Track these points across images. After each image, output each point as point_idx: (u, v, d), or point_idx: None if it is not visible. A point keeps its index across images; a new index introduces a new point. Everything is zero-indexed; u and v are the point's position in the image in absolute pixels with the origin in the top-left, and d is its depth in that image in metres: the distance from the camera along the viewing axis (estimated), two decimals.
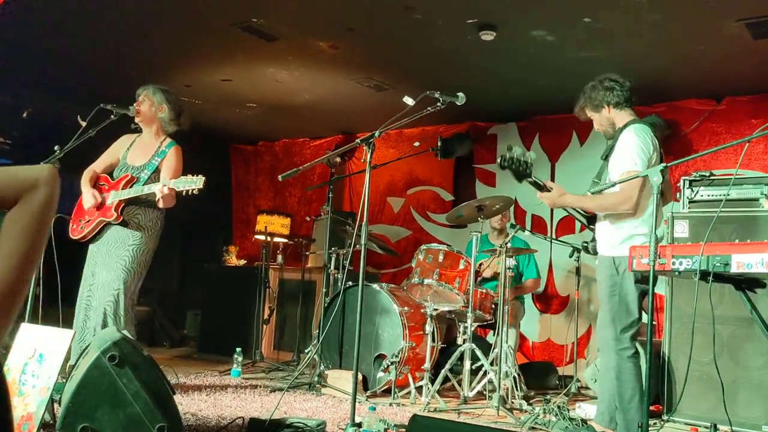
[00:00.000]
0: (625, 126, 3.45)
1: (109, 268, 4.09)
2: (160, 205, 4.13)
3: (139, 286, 4.21)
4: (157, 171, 4.22)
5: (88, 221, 4.18)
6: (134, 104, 4.30)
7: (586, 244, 3.71)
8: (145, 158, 4.25)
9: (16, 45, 5.50)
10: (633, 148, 3.33)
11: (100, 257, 4.15)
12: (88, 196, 4.21)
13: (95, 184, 4.29)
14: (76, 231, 4.21)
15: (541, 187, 3.50)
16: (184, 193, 3.99)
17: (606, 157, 3.53)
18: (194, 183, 3.96)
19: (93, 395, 2.71)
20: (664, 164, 2.84)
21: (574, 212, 3.72)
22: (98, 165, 4.39)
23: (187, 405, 3.89)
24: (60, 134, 5.22)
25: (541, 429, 3.86)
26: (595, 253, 3.61)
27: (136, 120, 4.31)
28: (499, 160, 3.42)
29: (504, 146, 3.44)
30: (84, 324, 4.08)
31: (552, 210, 6.46)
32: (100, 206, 4.17)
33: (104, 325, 4.00)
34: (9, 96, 6.67)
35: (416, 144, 6.31)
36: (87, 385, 2.71)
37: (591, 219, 3.66)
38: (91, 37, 5.34)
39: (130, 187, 4.16)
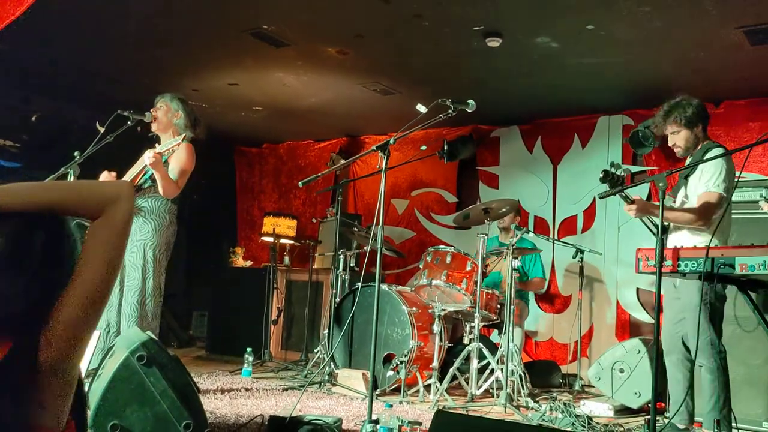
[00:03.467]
0: (709, 148, 3.65)
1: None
2: (161, 191, 4.14)
3: (158, 284, 4.20)
4: (166, 163, 4.26)
5: None
6: (151, 110, 4.38)
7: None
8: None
9: (26, 49, 5.59)
10: (722, 172, 3.52)
11: None
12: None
13: None
14: None
15: (628, 199, 3.67)
16: (169, 152, 4.05)
17: (687, 176, 3.71)
18: (175, 141, 4.03)
19: (122, 394, 2.81)
20: (669, 170, 2.95)
21: (649, 224, 3.87)
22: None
23: (204, 404, 3.95)
24: (69, 138, 5.33)
25: (548, 425, 3.97)
26: None
27: (152, 128, 4.38)
28: (602, 176, 3.62)
29: (609, 164, 3.74)
30: (107, 324, 4.15)
31: (554, 211, 6.58)
32: None
33: (112, 324, 4.08)
34: (18, 100, 6.75)
35: (423, 148, 6.42)
36: (116, 384, 2.82)
37: (664, 231, 3.82)
38: (100, 41, 5.42)
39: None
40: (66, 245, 1.39)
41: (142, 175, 4.28)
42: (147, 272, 4.16)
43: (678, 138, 3.75)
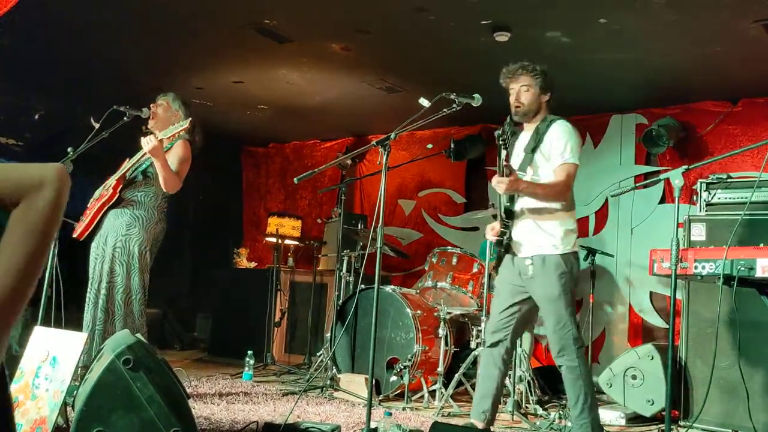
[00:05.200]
0: (553, 120, 3.43)
1: (103, 260, 4.03)
2: (162, 182, 4.02)
3: (142, 281, 4.03)
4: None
5: (89, 215, 4.10)
6: (151, 105, 4.27)
7: (501, 240, 3.45)
8: None
9: (28, 47, 5.51)
10: (569, 141, 3.34)
11: (99, 249, 4.07)
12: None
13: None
14: (77, 230, 4.12)
15: (505, 170, 3.28)
16: (174, 137, 3.99)
17: (533, 150, 3.42)
18: (180, 126, 3.94)
19: (107, 399, 2.68)
20: (686, 166, 2.80)
21: (500, 206, 3.49)
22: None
23: (200, 409, 3.87)
24: (71, 136, 5.21)
25: None
26: (507, 250, 3.44)
27: (149, 124, 4.26)
28: (499, 132, 3.29)
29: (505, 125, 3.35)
30: (89, 321, 4.01)
31: None
32: (101, 196, 4.12)
33: (96, 321, 3.95)
34: (21, 98, 6.68)
35: (429, 146, 6.27)
36: (101, 389, 2.69)
37: (510, 214, 3.46)
38: (102, 39, 5.33)
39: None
40: None
41: (134, 167, 4.17)
42: (132, 269, 4.02)
43: (526, 95, 3.47)
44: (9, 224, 1.24)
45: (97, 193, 4.20)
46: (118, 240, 4.02)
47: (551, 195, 3.33)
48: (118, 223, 4.05)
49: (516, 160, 3.48)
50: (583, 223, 6.34)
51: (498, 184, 3.27)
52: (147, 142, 3.91)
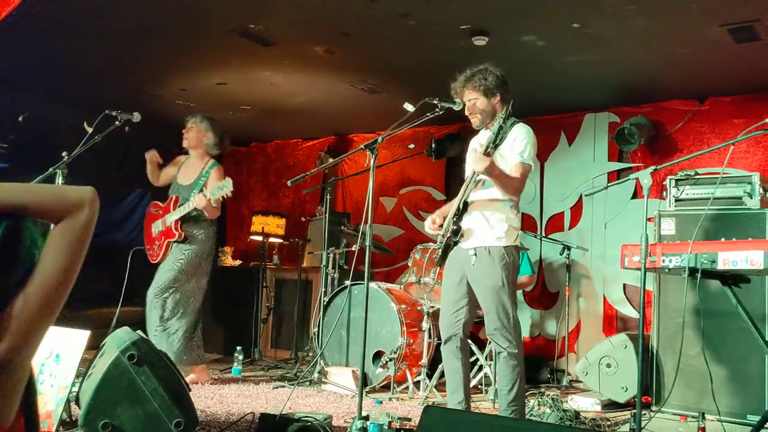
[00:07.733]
0: (516, 122, 3.58)
1: (166, 269, 4.80)
2: (208, 215, 4.80)
3: (199, 286, 4.96)
4: (202, 190, 4.81)
5: (159, 245, 4.94)
6: (183, 130, 5.04)
7: (456, 230, 3.55)
8: (192, 178, 4.92)
9: (12, 49, 5.56)
10: (528, 143, 3.50)
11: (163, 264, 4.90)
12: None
13: (150, 213, 5.11)
14: (153, 256, 4.97)
15: (489, 148, 3.38)
16: (222, 199, 4.73)
17: (495, 147, 3.46)
18: (225, 188, 4.62)
19: (113, 392, 2.83)
20: (654, 167, 3.00)
21: (461, 197, 3.57)
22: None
23: (194, 402, 3.99)
24: (56, 138, 5.31)
25: (535, 420, 4.01)
26: (456, 242, 3.56)
27: (184, 143, 5.08)
28: (503, 115, 3.45)
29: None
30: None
31: (542, 208, 6.62)
32: (165, 230, 4.88)
33: (152, 317, 4.78)
34: (5, 100, 6.71)
35: (411, 146, 6.45)
36: (107, 383, 2.83)
37: (465, 206, 3.56)
38: (87, 41, 5.39)
39: (179, 206, 4.86)
40: (24, 247, 1.39)
41: (186, 209, 4.85)
42: (193, 275, 4.90)
43: (475, 107, 3.61)
44: (49, 239, 1.39)
45: (159, 225, 4.99)
46: (181, 254, 4.84)
47: (511, 188, 3.46)
48: (180, 256, 4.87)
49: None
50: (558, 218, 6.57)
51: (479, 161, 3.34)
52: (199, 201, 4.69)
